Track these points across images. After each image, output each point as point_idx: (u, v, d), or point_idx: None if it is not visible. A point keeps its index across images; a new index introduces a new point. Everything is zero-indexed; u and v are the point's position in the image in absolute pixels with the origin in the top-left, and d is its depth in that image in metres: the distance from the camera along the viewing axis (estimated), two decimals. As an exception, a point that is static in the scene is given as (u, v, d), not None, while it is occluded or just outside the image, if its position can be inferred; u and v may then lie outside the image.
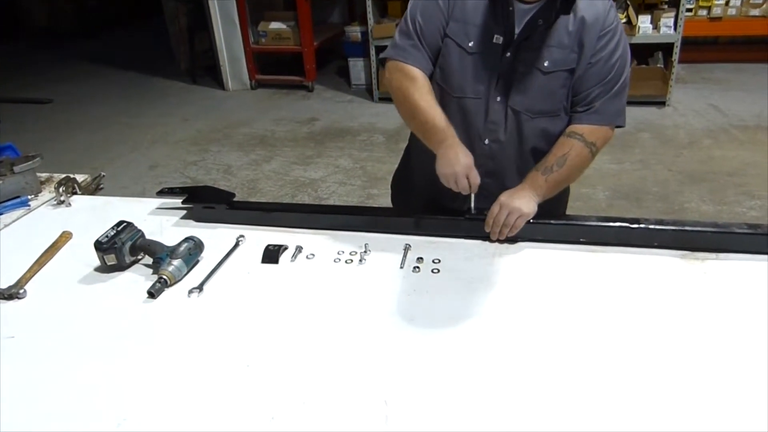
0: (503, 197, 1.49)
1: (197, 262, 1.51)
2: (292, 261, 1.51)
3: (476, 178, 1.46)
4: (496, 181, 1.55)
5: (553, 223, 1.52)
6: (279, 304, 1.35)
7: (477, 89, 1.56)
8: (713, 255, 1.44)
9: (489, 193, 1.52)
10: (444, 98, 1.58)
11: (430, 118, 1.49)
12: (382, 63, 1.65)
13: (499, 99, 1.55)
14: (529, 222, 1.48)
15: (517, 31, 1.49)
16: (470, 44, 1.52)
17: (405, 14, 1.60)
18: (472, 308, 1.30)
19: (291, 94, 5.94)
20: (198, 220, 1.71)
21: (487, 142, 1.59)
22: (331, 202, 3.81)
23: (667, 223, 1.49)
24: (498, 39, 1.50)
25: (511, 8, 1.47)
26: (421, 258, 1.48)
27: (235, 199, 1.74)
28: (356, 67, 5.86)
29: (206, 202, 1.71)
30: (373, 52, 5.38)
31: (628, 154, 4.21)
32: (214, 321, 1.31)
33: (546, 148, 1.57)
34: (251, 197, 3.89)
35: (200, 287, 1.41)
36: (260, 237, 1.60)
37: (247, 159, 4.51)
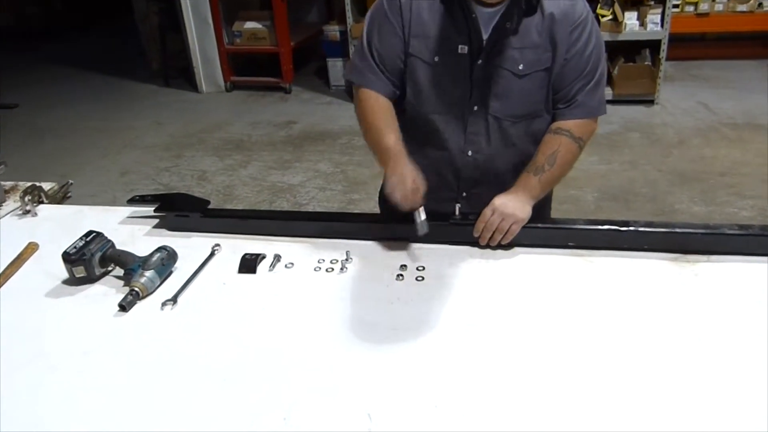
0: (497, 201, 1.49)
1: (171, 273, 1.50)
2: (270, 270, 1.50)
3: (406, 194, 1.41)
4: (490, 189, 1.56)
5: (541, 227, 1.53)
6: (257, 316, 1.34)
7: (452, 102, 1.57)
8: (705, 257, 1.46)
9: (479, 199, 1.53)
10: (418, 116, 1.59)
11: (380, 138, 1.50)
12: (347, 84, 1.66)
13: (476, 108, 1.56)
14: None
15: (485, 37, 1.49)
16: (436, 58, 1.53)
17: (362, 32, 1.60)
18: (459, 316, 1.30)
19: (268, 96, 5.93)
20: (171, 229, 1.69)
21: (470, 153, 1.61)
22: (310, 208, 3.81)
23: (657, 225, 1.51)
24: (463, 48, 1.51)
25: (474, 15, 1.48)
26: (405, 265, 1.48)
27: (210, 206, 1.72)
28: (335, 67, 5.86)
29: (180, 210, 1.70)
30: (352, 51, 5.38)
31: (616, 155, 4.25)
32: (189, 334, 1.29)
33: (534, 148, 1.58)
34: (227, 204, 3.88)
35: (174, 299, 1.40)
36: (237, 246, 1.59)
37: (222, 164, 4.49)
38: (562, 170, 1.55)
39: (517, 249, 1.52)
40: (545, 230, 1.53)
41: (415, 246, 1.55)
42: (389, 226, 1.60)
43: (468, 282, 1.41)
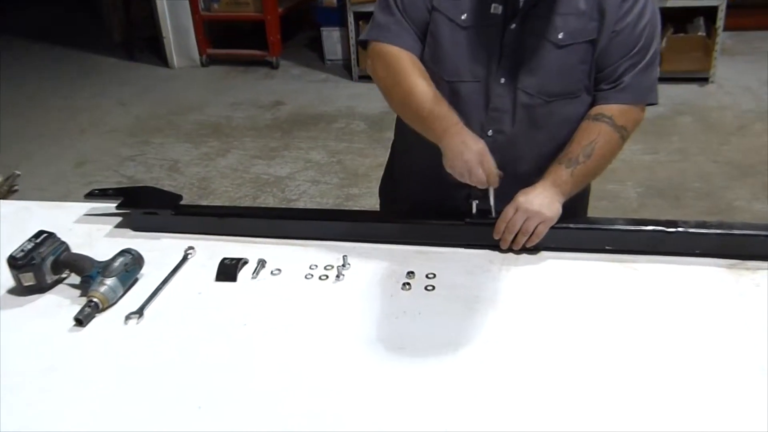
0: (521, 197, 1.50)
1: (136, 280, 1.50)
2: (253, 278, 1.51)
3: (492, 167, 1.47)
4: (508, 179, 1.56)
5: (573, 228, 1.53)
6: (238, 332, 1.35)
7: (475, 70, 1.56)
8: (767, 264, 1.46)
9: (500, 193, 1.53)
10: (434, 83, 1.59)
11: (427, 105, 1.50)
12: (362, 45, 1.66)
13: (503, 81, 1.56)
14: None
15: None
16: (463, 17, 1.53)
17: None
18: (475, 333, 1.31)
19: (251, 72, 5.94)
20: (136, 229, 1.70)
21: (490, 133, 1.60)
22: (301, 204, 3.82)
23: (711, 226, 1.51)
24: (497, 8, 1.51)
25: None
26: (412, 272, 1.48)
27: (182, 202, 1.73)
28: (331, 38, 5.87)
29: (147, 207, 1.70)
30: (351, 19, 5.39)
31: (664, 142, 4.25)
32: (158, 353, 1.30)
33: (568, 135, 1.58)
34: (203, 200, 3.89)
35: (140, 312, 1.41)
36: (214, 249, 1.60)
37: (197, 152, 4.50)
38: (599, 164, 1.55)
39: (544, 254, 1.53)
40: (578, 231, 1.54)
41: (425, 250, 1.56)
42: (394, 226, 1.61)
43: (487, 293, 1.42)
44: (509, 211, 1.50)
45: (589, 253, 1.52)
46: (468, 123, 1.56)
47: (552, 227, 1.50)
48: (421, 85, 1.52)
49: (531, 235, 1.49)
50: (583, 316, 1.34)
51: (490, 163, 1.47)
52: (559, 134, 1.60)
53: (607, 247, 1.52)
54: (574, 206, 1.66)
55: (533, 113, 1.58)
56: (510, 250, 1.53)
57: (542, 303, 1.38)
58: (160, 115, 5.13)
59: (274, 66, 5.96)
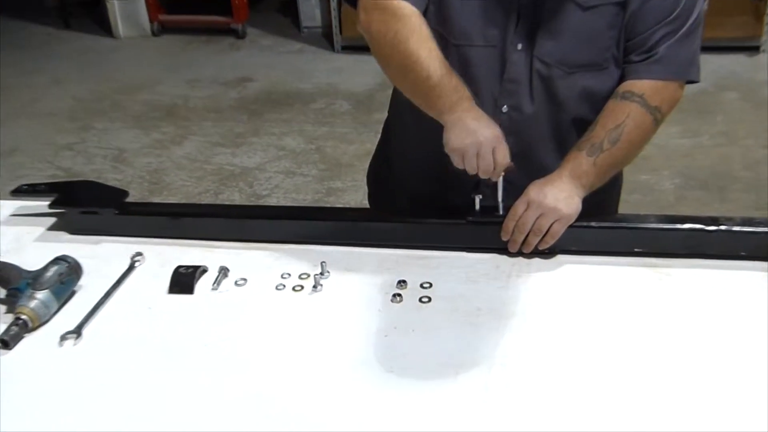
0: (533, 191, 1.50)
1: (73, 293, 1.50)
2: (213, 289, 1.51)
3: (506, 156, 1.47)
4: (523, 166, 1.57)
5: (595, 227, 1.54)
6: (195, 354, 1.34)
7: (488, 34, 1.57)
8: (826, 269, 1.47)
9: (511, 185, 1.54)
10: (440, 47, 1.58)
11: (434, 73, 1.50)
12: (349, 1, 1.66)
13: (520, 47, 1.56)
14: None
15: None
16: None
17: None
18: (479, 355, 1.31)
19: (212, 43, 5.94)
20: (74, 231, 1.70)
21: (505, 109, 1.61)
22: (273, 201, 3.82)
23: (759, 224, 1.52)
24: None
25: None
26: (404, 281, 1.48)
27: (129, 199, 1.73)
28: (308, 1, 5.86)
29: (86, 205, 1.70)
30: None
31: (706, 124, 4.27)
32: (100, 380, 1.30)
33: (593, 115, 1.59)
34: (154, 197, 3.88)
35: (77, 331, 1.40)
36: (166, 255, 1.60)
37: (147, 140, 4.49)
38: (627, 151, 1.55)
39: (561, 257, 1.53)
40: (601, 231, 1.54)
41: (419, 254, 1.56)
42: (382, 226, 1.62)
43: (493, 305, 1.42)
44: (519, 206, 1.50)
45: (614, 256, 1.53)
46: (479, 96, 1.57)
47: (570, 226, 1.50)
48: (427, 50, 1.51)
49: (545, 235, 1.49)
50: (607, 333, 1.34)
51: (505, 151, 1.47)
52: (582, 114, 1.61)
53: (636, 250, 1.53)
54: (602, 201, 1.66)
55: (552, 86, 1.59)
56: (520, 253, 1.53)
57: (559, 317, 1.38)
58: (103, 95, 5.12)
59: (239, 35, 5.96)
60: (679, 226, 1.53)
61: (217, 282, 1.52)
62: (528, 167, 1.58)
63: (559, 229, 1.49)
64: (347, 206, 3.62)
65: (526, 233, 1.50)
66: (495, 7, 1.55)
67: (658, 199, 3.62)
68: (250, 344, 1.36)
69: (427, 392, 1.23)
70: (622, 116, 1.54)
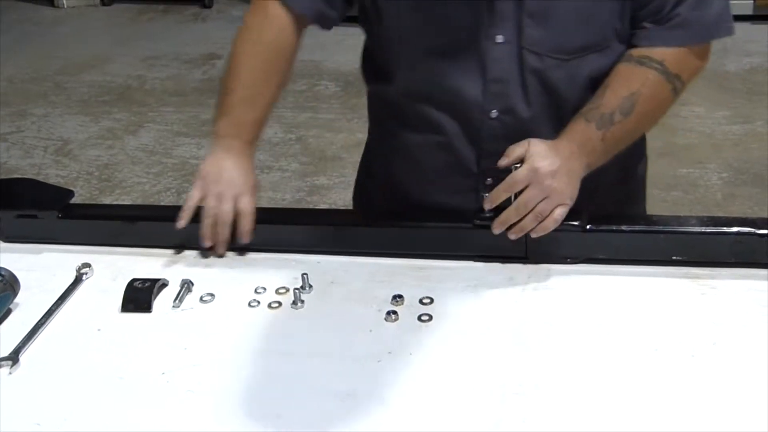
0: (540, 160, 1.45)
1: (9, 312, 1.51)
2: (175, 307, 1.52)
3: (248, 207, 1.59)
4: None
5: (627, 231, 1.55)
6: (154, 383, 1.34)
7: (459, 28, 1.58)
8: None
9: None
10: (400, 58, 1.63)
11: (239, 92, 1.64)
12: None
13: (501, 39, 1.57)
14: (582, 228, 1.52)
15: None
16: None
17: None
18: (488, 383, 1.31)
19: (173, 13, 5.94)
20: (8, 238, 1.71)
21: (494, 114, 1.62)
22: (246, 200, 3.81)
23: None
24: None
25: None
26: (400, 296, 1.49)
27: (73, 200, 1.74)
28: (287, -38, 5.86)
29: (23, 208, 1.71)
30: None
31: (760, 107, 4.26)
32: (41, 414, 1.29)
33: None
34: (105, 197, 3.89)
35: (14, 357, 1.41)
36: (119, 266, 1.61)
37: (96, 128, 4.50)
38: (638, 124, 1.57)
39: (586, 267, 1.54)
40: (634, 236, 1.55)
41: (418, 264, 1.57)
42: (375, 232, 1.63)
43: (504, 324, 1.43)
44: (519, 177, 1.46)
45: (649, 266, 1.53)
46: (459, 103, 1.61)
47: (597, 231, 1.52)
48: (253, 67, 1.64)
49: (544, 219, 1.48)
50: (640, 357, 1.34)
51: (251, 203, 1.60)
52: (583, 102, 1.61)
53: (674, 258, 1.53)
54: (628, 196, 1.68)
55: (548, 79, 1.60)
56: (538, 262, 1.54)
57: (583, 338, 1.38)
58: (42, 75, 5.12)
59: (205, 3, 5.97)
60: (725, 229, 1.53)
61: (179, 298, 1.53)
62: None
63: (563, 214, 1.48)
64: (333, 207, 3.62)
65: (522, 216, 1.48)
66: None
67: (703, 196, 3.63)
68: (217, 372, 1.36)
69: (428, 428, 1.23)
70: (636, 83, 1.55)
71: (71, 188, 1.76)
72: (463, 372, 1.33)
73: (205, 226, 1.60)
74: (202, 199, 1.60)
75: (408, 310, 1.46)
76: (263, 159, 4.10)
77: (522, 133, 1.59)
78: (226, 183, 1.59)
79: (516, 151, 1.47)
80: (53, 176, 3.96)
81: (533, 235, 1.49)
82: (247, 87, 1.65)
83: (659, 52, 1.56)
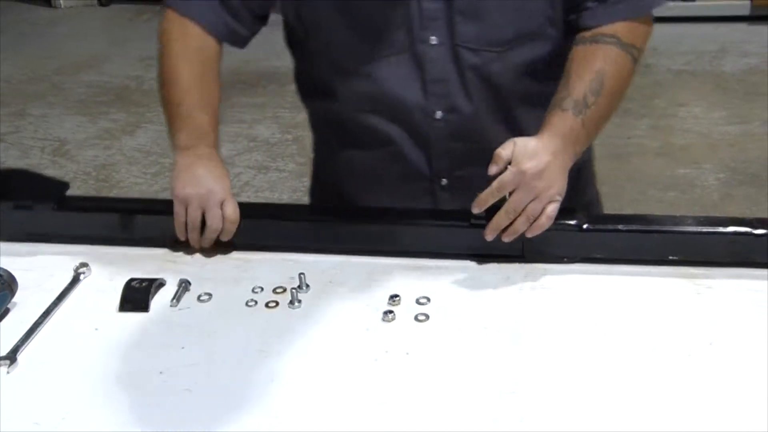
0: (526, 161, 1.45)
1: (6, 312, 1.50)
2: (173, 306, 1.52)
3: (235, 211, 1.58)
4: (480, 173, 1.61)
5: (623, 231, 1.56)
6: (151, 383, 1.34)
7: (392, 37, 1.59)
8: None
9: (474, 191, 1.55)
10: (338, 72, 1.65)
11: (186, 102, 1.62)
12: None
13: (435, 41, 1.59)
14: (579, 227, 1.52)
15: None
16: None
17: None
18: (485, 381, 1.30)
19: (170, 13, 5.91)
20: (7, 237, 1.70)
21: (439, 115, 1.64)
22: (243, 199, 3.79)
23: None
24: None
25: None
26: (397, 296, 1.49)
27: (69, 192, 1.75)
28: (284, -38, 5.85)
29: (19, 200, 1.71)
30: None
31: (757, 107, 4.27)
32: (37, 413, 1.29)
33: (544, 87, 1.61)
34: (103, 194, 3.88)
35: (12, 356, 1.40)
36: (117, 265, 1.61)
37: (94, 129, 4.49)
38: (611, 101, 1.58)
39: (582, 267, 1.54)
40: (630, 235, 1.56)
41: (415, 263, 1.58)
42: (371, 230, 1.63)
43: (502, 323, 1.43)
44: (507, 179, 1.45)
45: (645, 265, 1.54)
46: (402, 108, 1.63)
47: (595, 230, 1.53)
48: (190, 75, 1.65)
49: (536, 219, 1.48)
50: (636, 356, 1.34)
51: (235, 207, 1.59)
52: (531, 90, 1.65)
53: (671, 257, 1.54)
54: (577, 187, 1.70)
55: (487, 73, 1.62)
56: (535, 262, 1.54)
57: (580, 338, 1.38)
58: (40, 75, 5.12)
59: (203, 3, 5.94)
60: (722, 229, 1.53)
61: (176, 298, 1.53)
62: (481, 165, 1.61)
63: (555, 210, 1.49)
64: (329, 206, 3.62)
65: (513, 219, 1.48)
66: (383, 5, 1.57)
67: (700, 196, 3.63)
68: (215, 371, 1.36)
69: (424, 427, 1.23)
70: (598, 61, 1.56)
71: (66, 181, 1.76)
72: (460, 371, 1.33)
73: (192, 240, 1.62)
74: (186, 211, 1.60)
75: (405, 310, 1.46)
76: (260, 159, 4.11)
77: (468, 130, 1.64)
78: (205, 192, 1.58)
79: (502, 154, 1.47)
80: (51, 174, 3.95)
81: (528, 235, 1.49)
82: (193, 94, 1.65)
83: (609, 28, 1.58)
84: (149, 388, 1.34)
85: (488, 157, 1.58)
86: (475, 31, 1.58)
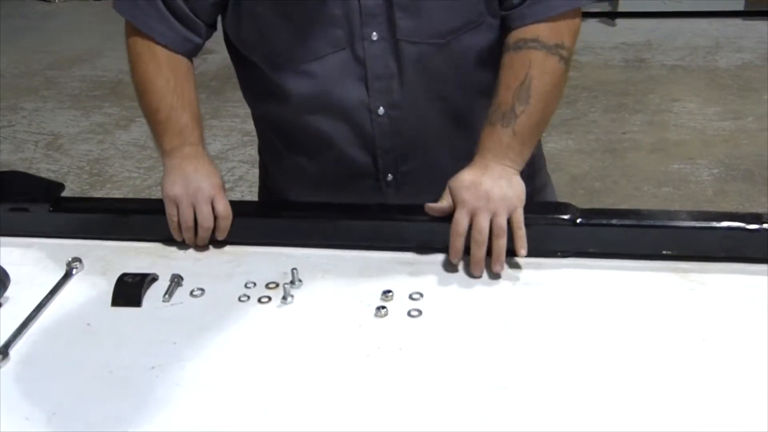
0: (466, 193, 1.50)
1: (-2, 306, 1.51)
2: (165, 301, 1.52)
3: (227, 208, 1.59)
4: (427, 164, 1.62)
5: (617, 225, 1.55)
6: (143, 378, 1.34)
7: (333, 36, 1.60)
8: None
9: (420, 186, 1.58)
10: (285, 74, 1.65)
11: (164, 107, 1.64)
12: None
13: (376, 37, 1.60)
14: (572, 222, 1.52)
15: None
16: None
17: None
18: (478, 377, 1.31)
19: (165, 7, 5.91)
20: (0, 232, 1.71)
21: (382, 111, 1.66)
22: (236, 195, 3.81)
23: (813, 222, 1.52)
24: None
25: None
26: (390, 292, 1.49)
27: (64, 194, 1.74)
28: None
29: (14, 201, 1.71)
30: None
31: (750, 103, 4.27)
32: (29, 409, 1.29)
33: (485, 75, 1.63)
34: (95, 191, 3.88)
35: (4, 351, 1.40)
36: (109, 261, 1.61)
37: (87, 123, 4.49)
38: (545, 104, 1.58)
39: (574, 261, 1.55)
40: (623, 230, 1.55)
41: (408, 258, 1.58)
42: (363, 225, 1.63)
43: (495, 318, 1.43)
44: (460, 218, 1.50)
45: (638, 260, 1.54)
46: (345, 106, 1.65)
47: (588, 224, 1.53)
48: (164, 80, 1.66)
49: (512, 236, 1.50)
50: (627, 352, 1.34)
51: (226, 203, 1.60)
52: (474, 79, 1.66)
53: (664, 252, 1.54)
54: (536, 180, 1.74)
55: (428, 66, 1.63)
56: (527, 257, 1.53)
57: (572, 333, 1.38)
58: (33, 69, 5.11)
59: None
60: (715, 224, 1.53)
61: (169, 293, 1.53)
62: (423, 161, 1.64)
63: (521, 215, 1.50)
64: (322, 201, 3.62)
65: (486, 243, 1.50)
66: (321, 4, 1.57)
67: (694, 192, 3.63)
68: (207, 367, 1.36)
69: (416, 422, 1.23)
70: (523, 69, 1.57)
71: (61, 182, 1.76)
72: (453, 367, 1.33)
73: (188, 240, 1.63)
74: (178, 211, 1.61)
75: (397, 305, 1.46)
76: (254, 154, 4.02)
77: (411, 125, 1.67)
78: (195, 190, 1.59)
79: (442, 204, 1.54)
80: (44, 171, 3.96)
81: (522, 254, 1.51)
82: (169, 98, 1.66)
83: (531, 30, 1.58)
84: (141, 383, 1.33)
85: (432, 150, 1.65)
86: (416, 25, 1.59)
